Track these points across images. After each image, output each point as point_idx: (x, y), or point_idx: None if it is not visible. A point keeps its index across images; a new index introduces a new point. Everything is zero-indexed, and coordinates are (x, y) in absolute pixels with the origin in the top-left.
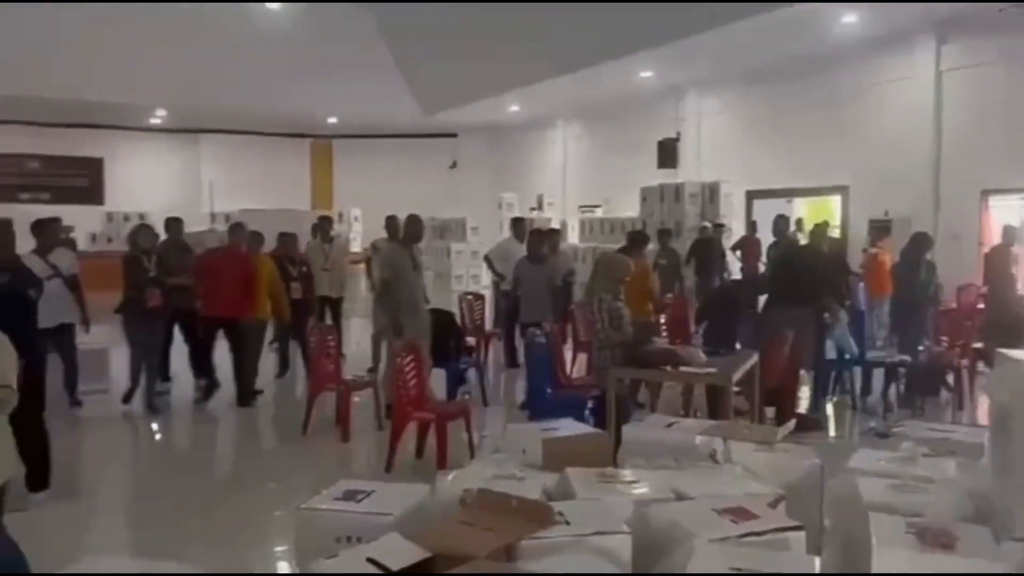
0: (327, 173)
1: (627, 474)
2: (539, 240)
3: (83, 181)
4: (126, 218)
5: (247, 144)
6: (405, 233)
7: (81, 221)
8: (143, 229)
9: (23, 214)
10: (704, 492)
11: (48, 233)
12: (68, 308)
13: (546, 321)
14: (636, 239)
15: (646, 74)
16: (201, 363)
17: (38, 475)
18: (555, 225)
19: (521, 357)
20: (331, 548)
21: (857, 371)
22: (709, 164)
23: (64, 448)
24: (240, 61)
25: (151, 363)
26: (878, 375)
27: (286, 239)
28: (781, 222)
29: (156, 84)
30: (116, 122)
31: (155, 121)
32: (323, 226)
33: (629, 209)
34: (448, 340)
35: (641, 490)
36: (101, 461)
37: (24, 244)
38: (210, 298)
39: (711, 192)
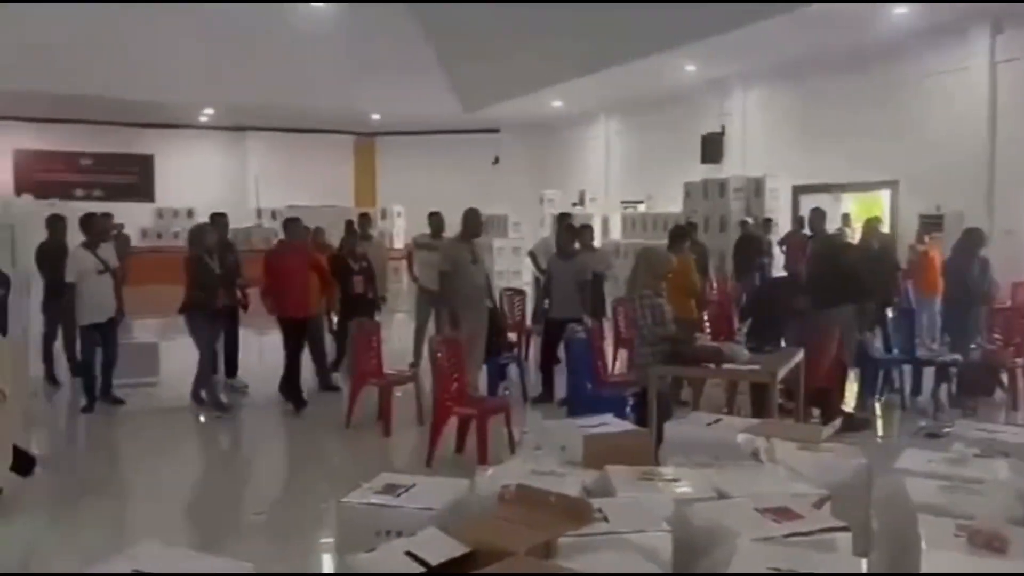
0: (370, 169)
1: (668, 472)
2: (570, 236)
3: (134, 178)
4: (175, 214)
5: (292, 141)
6: (463, 227)
7: (132, 217)
8: (206, 228)
9: (77, 210)
10: (746, 491)
11: (96, 229)
12: (114, 303)
13: (575, 317)
14: (676, 234)
15: (690, 68)
16: (236, 363)
17: (17, 462)
18: (597, 221)
19: (561, 353)
20: (371, 541)
21: (906, 370)
22: (754, 158)
23: (112, 441)
24: (285, 59)
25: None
26: (928, 374)
27: (349, 234)
28: (816, 216)
29: (204, 82)
30: (165, 120)
31: (203, 119)
32: (361, 224)
33: (672, 204)
34: (489, 336)
35: (682, 488)
36: (145, 453)
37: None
38: (290, 299)
39: (756, 187)
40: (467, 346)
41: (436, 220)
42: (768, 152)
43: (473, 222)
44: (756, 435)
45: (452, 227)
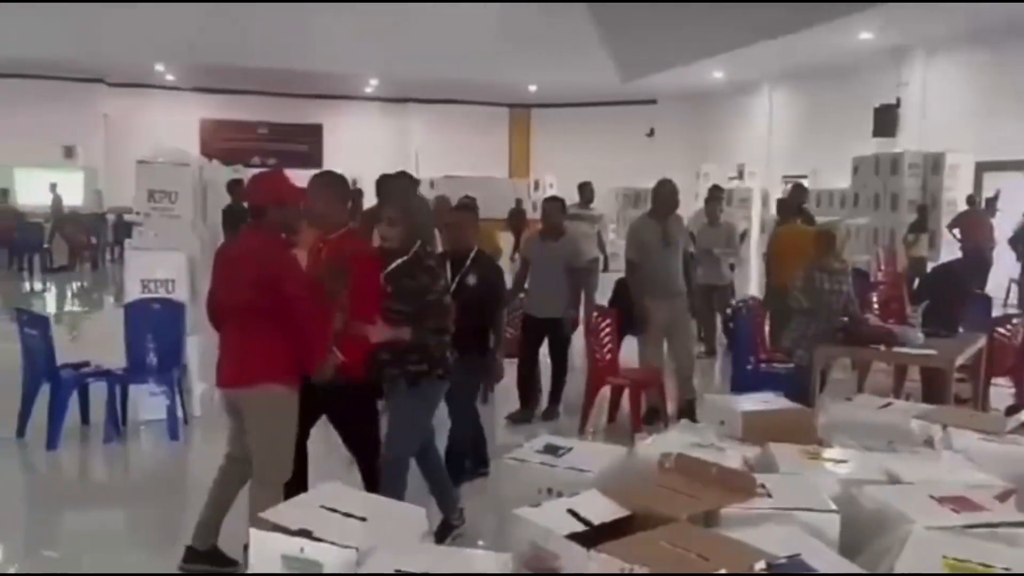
0: (525, 141)
1: (834, 452)
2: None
3: (305, 147)
4: None
5: (450, 112)
6: (654, 203)
7: (303, 184)
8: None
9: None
10: (921, 478)
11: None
12: None
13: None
14: (786, 207)
15: (865, 36)
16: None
17: None
18: (756, 196)
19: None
20: (532, 498)
21: None
22: (933, 132)
23: None
24: (446, 31)
25: None
26: None
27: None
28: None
29: (370, 54)
30: (334, 91)
31: (368, 90)
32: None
33: (839, 180)
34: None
35: (850, 470)
36: None
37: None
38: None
39: (935, 163)
40: (657, 338)
41: (587, 190)
42: (949, 126)
43: (666, 196)
44: (932, 422)
45: (602, 199)
